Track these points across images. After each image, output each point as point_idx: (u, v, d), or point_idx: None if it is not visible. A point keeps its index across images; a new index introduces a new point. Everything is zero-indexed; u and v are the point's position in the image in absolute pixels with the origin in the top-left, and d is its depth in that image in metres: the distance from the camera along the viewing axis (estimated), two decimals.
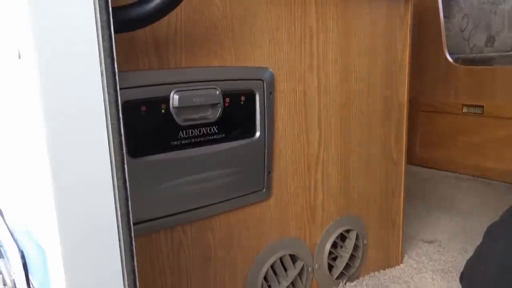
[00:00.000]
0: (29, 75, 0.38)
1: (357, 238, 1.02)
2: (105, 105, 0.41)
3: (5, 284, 0.66)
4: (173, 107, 0.67)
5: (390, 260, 1.14)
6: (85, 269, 0.42)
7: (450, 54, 2.00)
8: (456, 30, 2.11)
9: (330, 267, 1.00)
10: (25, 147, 0.45)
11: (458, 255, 1.19)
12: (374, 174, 1.04)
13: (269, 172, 0.83)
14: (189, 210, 0.72)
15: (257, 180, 0.81)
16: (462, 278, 0.80)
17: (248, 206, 0.82)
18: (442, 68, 2.01)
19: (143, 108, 0.64)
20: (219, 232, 0.78)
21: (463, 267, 0.82)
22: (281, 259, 0.89)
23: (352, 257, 1.03)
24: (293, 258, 0.92)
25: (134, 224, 0.45)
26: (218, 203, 0.76)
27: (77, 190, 0.40)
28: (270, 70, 0.79)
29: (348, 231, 1.01)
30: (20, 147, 0.49)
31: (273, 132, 0.82)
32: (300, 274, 0.93)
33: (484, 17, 2.16)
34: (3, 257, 0.69)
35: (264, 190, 0.82)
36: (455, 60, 1.98)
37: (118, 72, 0.41)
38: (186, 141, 0.69)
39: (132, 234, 0.45)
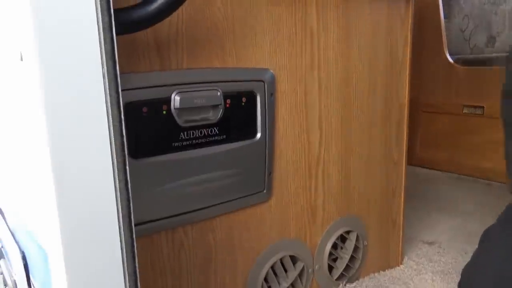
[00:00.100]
0: (31, 77, 0.38)
1: (357, 239, 1.02)
2: (107, 107, 0.41)
3: (6, 285, 0.66)
4: (175, 108, 0.67)
5: (390, 261, 1.14)
6: (86, 270, 0.42)
7: (450, 54, 2.00)
8: (456, 31, 2.11)
9: (330, 268, 1.00)
10: (27, 148, 0.45)
11: (458, 257, 1.19)
12: (375, 174, 1.04)
13: (270, 173, 0.83)
14: (190, 211, 0.72)
15: (257, 181, 0.81)
16: (460, 287, 0.79)
17: (249, 207, 0.82)
18: (442, 68, 2.01)
19: (145, 110, 0.64)
20: (220, 233, 0.78)
21: (462, 270, 0.82)
22: (281, 260, 0.89)
23: (352, 258, 1.03)
24: (293, 259, 0.92)
25: (135, 225, 0.45)
26: (219, 204, 0.76)
27: (79, 192, 0.41)
28: (271, 71, 0.79)
29: (348, 232, 1.02)
30: (21, 149, 0.49)
31: (274, 133, 0.82)
32: (300, 275, 0.93)
33: (484, 17, 2.16)
34: (4, 258, 0.69)
35: (264, 191, 0.83)
36: (456, 60, 1.98)
37: (120, 73, 0.42)
38: (187, 142, 0.69)
39: (134, 235, 0.45)
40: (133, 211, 0.44)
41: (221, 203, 0.76)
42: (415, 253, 1.21)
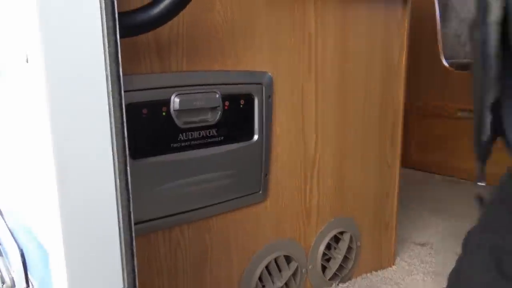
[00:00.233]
0: (36, 79, 0.39)
1: (350, 240, 1.04)
2: (109, 108, 0.42)
3: (3, 282, 0.66)
4: (174, 110, 0.68)
5: (382, 261, 1.15)
6: (86, 268, 0.43)
7: (446, 59, 2.02)
8: (452, 35, 2.13)
9: (324, 268, 1.02)
10: (30, 148, 0.46)
11: (450, 258, 1.21)
12: (369, 176, 1.06)
13: (266, 174, 0.84)
14: (187, 211, 0.73)
15: (254, 182, 0.82)
16: None
17: (245, 207, 0.83)
18: (437, 72, 2.03)
19: (145, 111, 0.65)
20: (216, 233, 0.79)
21: (448, 275, 0.83)
22: (276, 260, 0.90)
23: (345, 258, 1.04)
24: (288, 259, 0.93)
25: (133, 224, 0.46)
26: (215, 204, 0.77)
27: (80, 192, 0.41)
28: (269, 74, 0.80)
29: (342, 233, 1.03)
30: (24, 149, 0.50)
31: (270, 135, 0.83)
32: (294, 274, 0.94)
33: None
34: (2, 255, 0.69)
35: (260, 192, 0.84)
36: (450, 64, 2.01)
37: (122, 75, 0.42)
38: (186, 144, 0.70)
39: (133, 234, 0.46)
40: (132, 210, 0.45)
41: (218, 203, 0.77)
42: (407, 254, 1.23)
